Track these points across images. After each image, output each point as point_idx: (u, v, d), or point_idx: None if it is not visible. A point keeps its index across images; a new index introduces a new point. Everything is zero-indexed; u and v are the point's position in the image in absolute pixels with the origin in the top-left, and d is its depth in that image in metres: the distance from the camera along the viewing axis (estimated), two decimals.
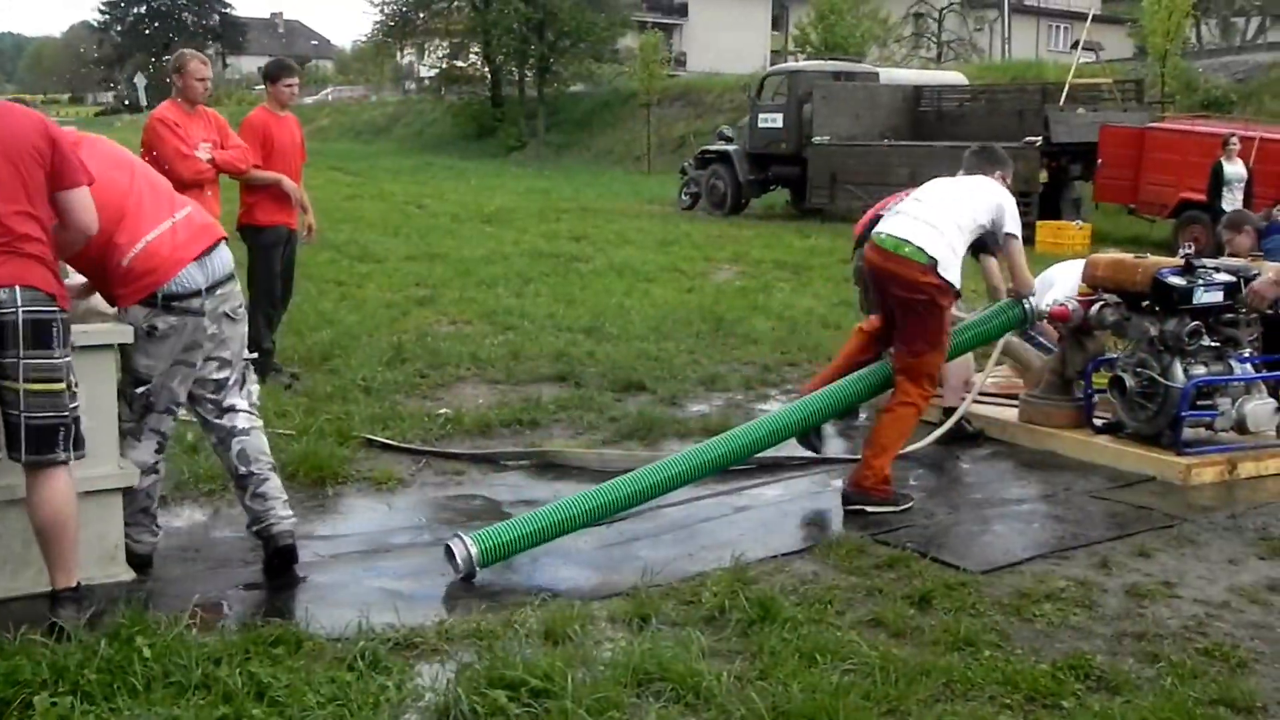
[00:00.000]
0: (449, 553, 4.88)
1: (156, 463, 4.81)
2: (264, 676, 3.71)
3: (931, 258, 5.84)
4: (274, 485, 4.82)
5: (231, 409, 4.78)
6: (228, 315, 4.70)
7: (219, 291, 4.63)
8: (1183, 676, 3.98)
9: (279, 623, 4.23)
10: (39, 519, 4.12)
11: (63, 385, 4.10)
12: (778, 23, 63.09)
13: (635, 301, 11.62)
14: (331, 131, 52.74)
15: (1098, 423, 6.93)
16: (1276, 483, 6.08)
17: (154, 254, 4.49)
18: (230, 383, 4.78)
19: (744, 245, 17.43)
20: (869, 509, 5.83)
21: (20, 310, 3.97)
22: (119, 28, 76.78)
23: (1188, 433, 6.61)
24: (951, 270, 5.90)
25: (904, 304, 6.00)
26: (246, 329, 4.93)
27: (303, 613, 4.40)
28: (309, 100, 60.98)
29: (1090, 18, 29.01)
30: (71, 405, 4.13)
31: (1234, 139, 16.10)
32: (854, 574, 4.93)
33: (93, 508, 4.53)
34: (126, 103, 66.79)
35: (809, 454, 6.57)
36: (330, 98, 62.09)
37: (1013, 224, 6.13)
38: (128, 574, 4.68)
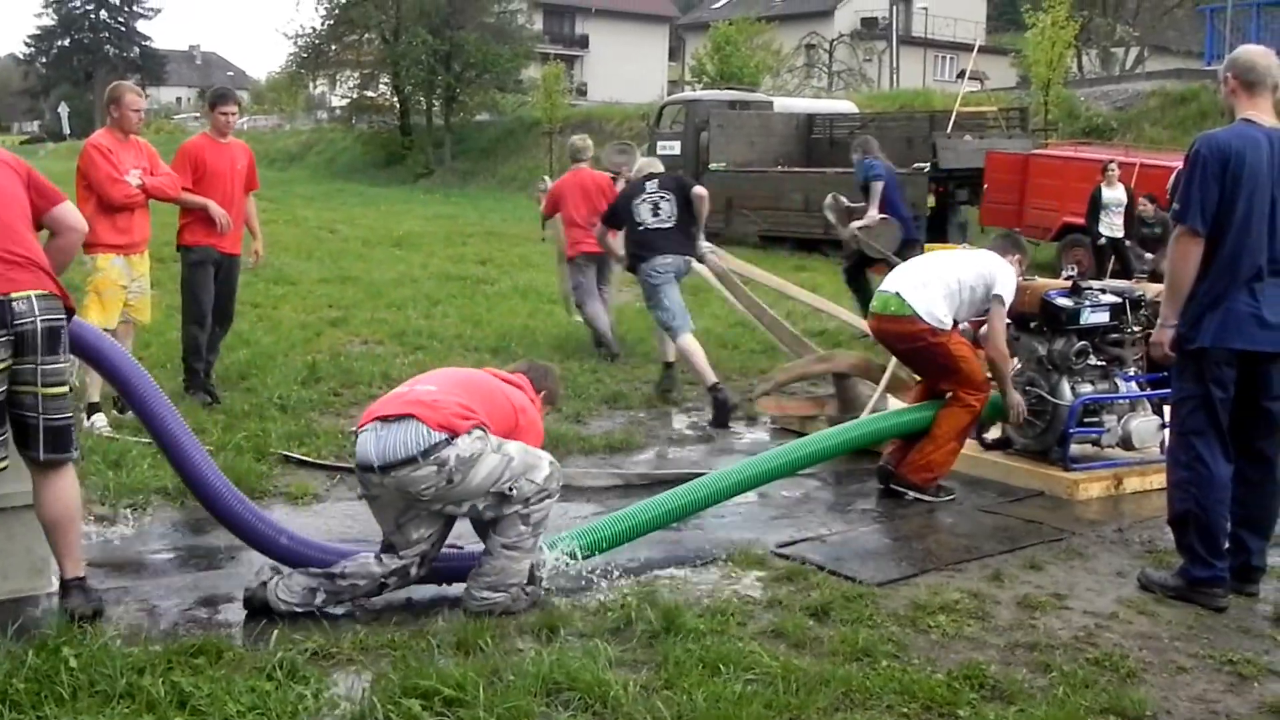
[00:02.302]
0: None
1: (379, 575, 4.60)
2: (186, 686, 3.75)
3: (915, 310, 6.29)
4: (490, 565, 4.60)
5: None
6: (417, 498, 4.47)
7: (393, 474, 4.41)
8: (1074, 686, 4.07)
9: (201, 633, 4.28)
10: (50, 514, 4.39)
11: (67, 388, 4.38)
12: (675, 54, 63.87)
13: (539, 322, 11.73)
14: None
15: (987, 438, 7.07)
16: (1161, 497, 6.24)
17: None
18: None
19: None
20: (910, 493, 6.39)
21: (39, 319, 4.24)
22: (44, 59, 77.68)
23: (1075, 449, 6.78)
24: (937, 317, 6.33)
25: (910, 357, 6.67)
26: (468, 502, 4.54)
27: (223, 623, 4.44)
28: None
29: (976, 48, 29.74)
30: (72, 407, 4.43)
31: (1113, 165, 16.54)
32: (755, 586, 4.99)
33: (19, 523, 4.60)
34: (49, 132, 66.64)
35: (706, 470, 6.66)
36: (246, 126, 61.54)
37: (1004, 289, 6.36)
38: (53, 586, 4.66)
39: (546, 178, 12.83)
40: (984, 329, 6.47)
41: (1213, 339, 4.90)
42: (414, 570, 4.63)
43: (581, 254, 10.22)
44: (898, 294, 6.39)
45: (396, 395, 4.68)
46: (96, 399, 7.21)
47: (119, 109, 7.34)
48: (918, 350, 6.44)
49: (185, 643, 4.12)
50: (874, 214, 11.55)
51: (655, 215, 8.51)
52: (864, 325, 8.30)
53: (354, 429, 4.68)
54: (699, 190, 8.60)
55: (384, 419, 4.49)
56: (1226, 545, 5.07)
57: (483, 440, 4.49)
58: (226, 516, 4.74)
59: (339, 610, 4.59)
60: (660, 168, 9.09)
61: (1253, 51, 5.10)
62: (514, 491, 4.52)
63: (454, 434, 4.41)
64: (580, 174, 10.45)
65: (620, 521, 5.25)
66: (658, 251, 8.44)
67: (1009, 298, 6.38)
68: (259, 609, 4.50)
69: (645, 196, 8.57)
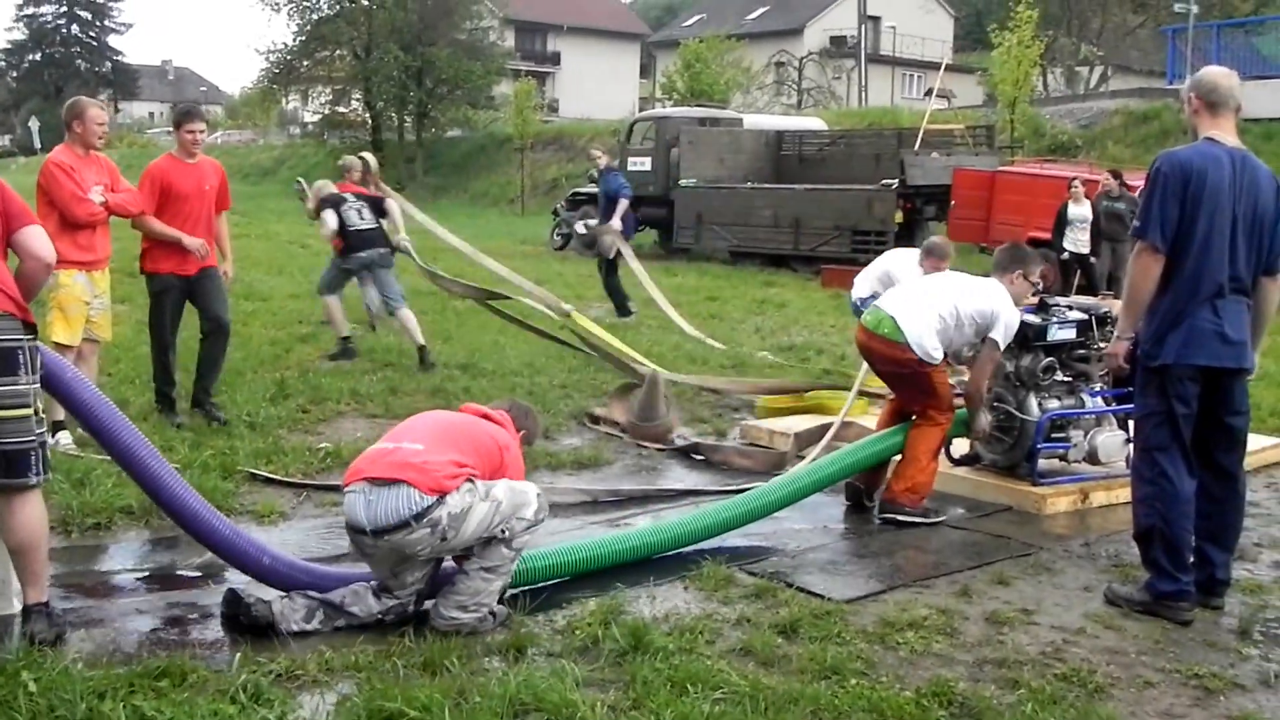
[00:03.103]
0: None
1: (377, 611, 4.61)
2: (148, 709, 3.69)
3: (907, 340, 6.19)
4: (463, 585, 4.60)
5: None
6: (413, 556, 4.50)
7: (387, 538, 4.41)
8: (1042, 702, 4.07)
9: (163, 655, 4.20)
10: (15, 540, 4.30)
11: (29, 410, 4.21)
12: (646, 71, 64.14)
13: (509, 339, 11.68)
14: None
15: (955, 454, 7.08)
16: (1127, 511, 6.29)
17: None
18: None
19: None
20: (900, 518, 6.28)
21: None
22: (15, 74, 77.56)
23: (1042, 464, 6.79)
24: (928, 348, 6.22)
25: (889, 377, 6.54)
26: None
27: (187, 644, 4.38)
28: None
29: (943, 67, 29.94)
30: (39, 430, 4.26)
31: (1076, 182, 16.70)
32: (723, 604, 4.97)
33: None
34: (20, 146, 66.43)
35: (676, 487, 6.66)
36: (219, 141, 61.76)
37: (1001, 333, 6.28)
38: (11, 608, 4.58)
39: (302, 179, 13.92)
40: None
41: (1176, 355, 4.94)
42: (411, 607, 4.65)
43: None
44: (893, 318, 6.29)
45: (383, 454, 4.59)
46: (61, 416, 7.14)
47: (82, 124, 7.18)
48: (902, 375, 6.38)
49: (148, 665, 4.05)
50: (616, 223, 14.30)
51: (361, 219, 10.60)
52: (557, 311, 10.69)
53: (342, 487, 4.64)
54: (390, 202, 11.11)
55: (372, 481, 4.46)
56: (1191, 559, 5.10)
57: (471, 492, 4.49)
58: (204, 535, 4.70)
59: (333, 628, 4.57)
60: (333, 189, 11.14)
61: (1215, 73, 5.16)
62: (505, 533, 4.57)
63: (444, 494, 4.42)
64: (348, 188, 11.72)
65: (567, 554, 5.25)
66: (364, 248, 10.60)
67: (1004, 342, 6.33)
68: (261, 625, 4.44)
69: (349, 204, 10.66)
